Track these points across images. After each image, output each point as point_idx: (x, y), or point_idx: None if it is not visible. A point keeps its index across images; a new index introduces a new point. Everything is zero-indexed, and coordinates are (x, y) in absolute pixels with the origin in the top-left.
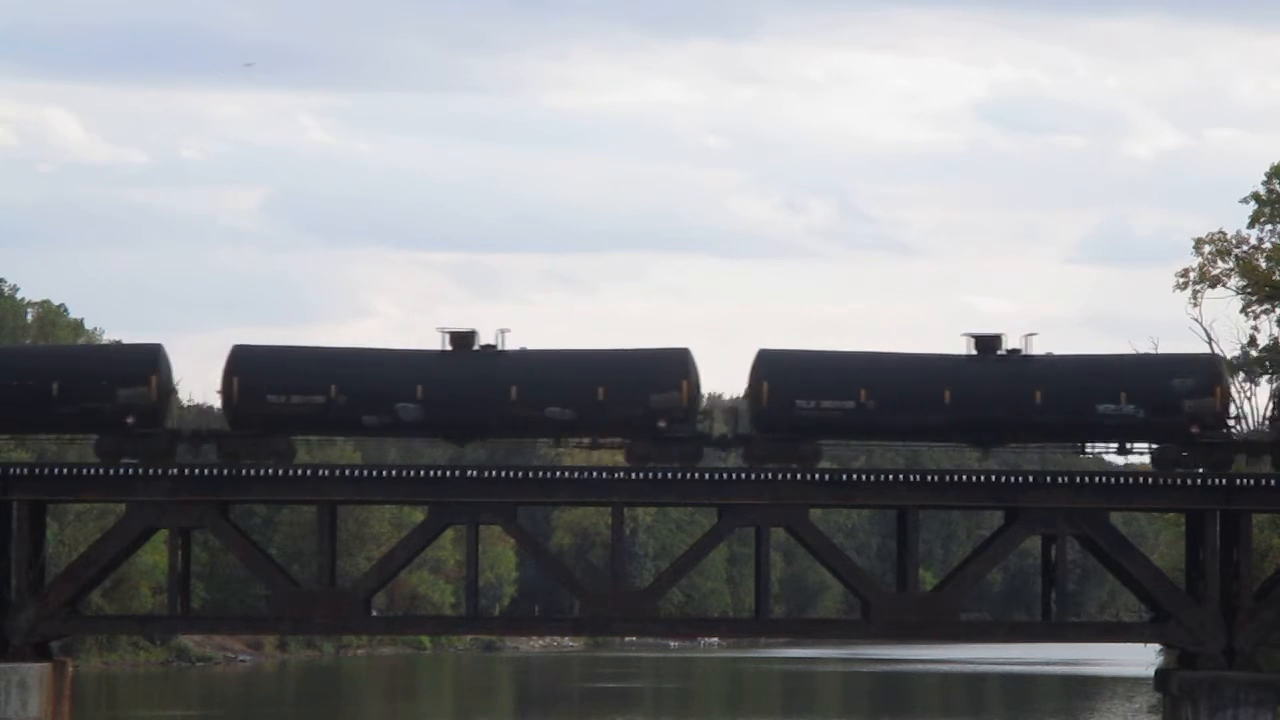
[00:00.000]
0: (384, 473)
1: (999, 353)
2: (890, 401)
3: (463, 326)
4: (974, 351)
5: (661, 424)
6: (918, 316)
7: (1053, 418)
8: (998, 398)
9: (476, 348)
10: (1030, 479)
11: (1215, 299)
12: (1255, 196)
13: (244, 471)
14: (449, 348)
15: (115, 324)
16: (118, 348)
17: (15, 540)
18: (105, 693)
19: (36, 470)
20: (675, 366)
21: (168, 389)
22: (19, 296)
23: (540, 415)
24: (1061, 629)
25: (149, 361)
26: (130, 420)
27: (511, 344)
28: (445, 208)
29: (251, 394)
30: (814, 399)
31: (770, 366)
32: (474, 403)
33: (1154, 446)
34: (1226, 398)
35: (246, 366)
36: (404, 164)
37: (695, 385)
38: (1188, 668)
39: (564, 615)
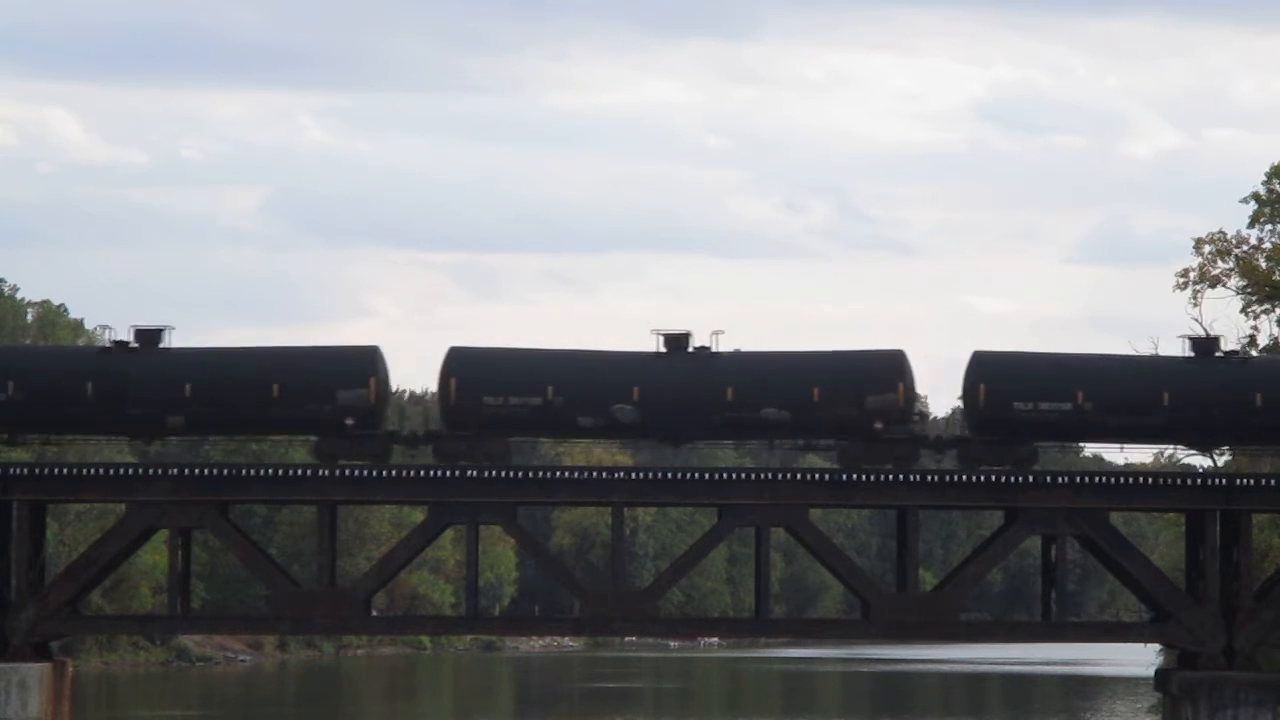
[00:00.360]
0: (384, 473)
1: (1216, 355)
2: (1108, 403)
3: (677, 328)
4: (1190, 354)
5: (877, 425)
6: (918, 316)
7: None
8: (1218, 400)
9: (691, 349)
10: (1030, 479)
11: (1215, 299)
12: (1255, 196)
13: (244, 471)
14: (663, 349)
15: (115, 324)
16: (337, 350)
17: (15, 540)
18: (105, 693)
19: (36, 470)
20: (891, 368)
21: (386, 391)
22: (19, 296)
23: (756, 417)
24: (1061, 629)
25: (368, 363)
26: (349, 422)
27: (724, 345)
28: (445, 208)
29: (468, 395)
30: (1031, 401)
31: (987, 369)
32: (690, 404)
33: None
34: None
35: (464, 368)
36: (404, 164)
37: (911, 386)
38: (1188, 668)
39: (564, 615)
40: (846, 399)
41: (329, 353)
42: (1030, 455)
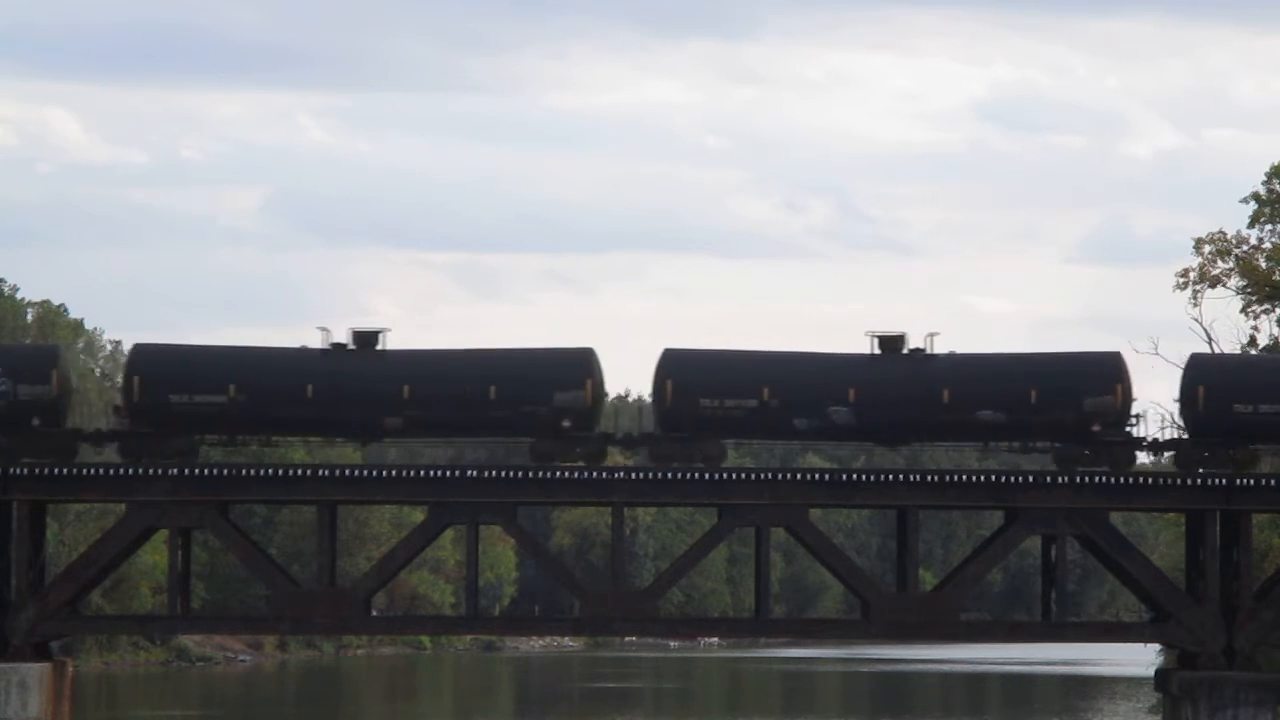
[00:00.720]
0: (384, 473)
1: (902, 351)
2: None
3: (891, 330)
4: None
5: (1096, 428)
6: (918, 316)
7: None
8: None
9: (905, 351)
10: (1030, 479)
11: (1215, 299)
12: (1255, 196)
13: (244, 471)
14: (877, 351)
15: (115, 324)
16: (555, 352)
17: (15, 540)
18: (105, 693)
19: (36, 470)
20: (1110, 370)
21: (601, 393)
22: (19, 296)
23: (972, 419)
24: (1061, 629)
25: (584, 365)
26: (566, 424)
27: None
28: (445, 208)
29: (685, 398)
30: (1251, 404)
31: (1205, 372)
32: (905, 406)
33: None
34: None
35: (680, 370)
36: (404, 164)
37: (1129, 388)
38: (1188, 668)
39: (564, 615)
40: (1064, 401)
41: (546, 355)
42: (1250, 459)
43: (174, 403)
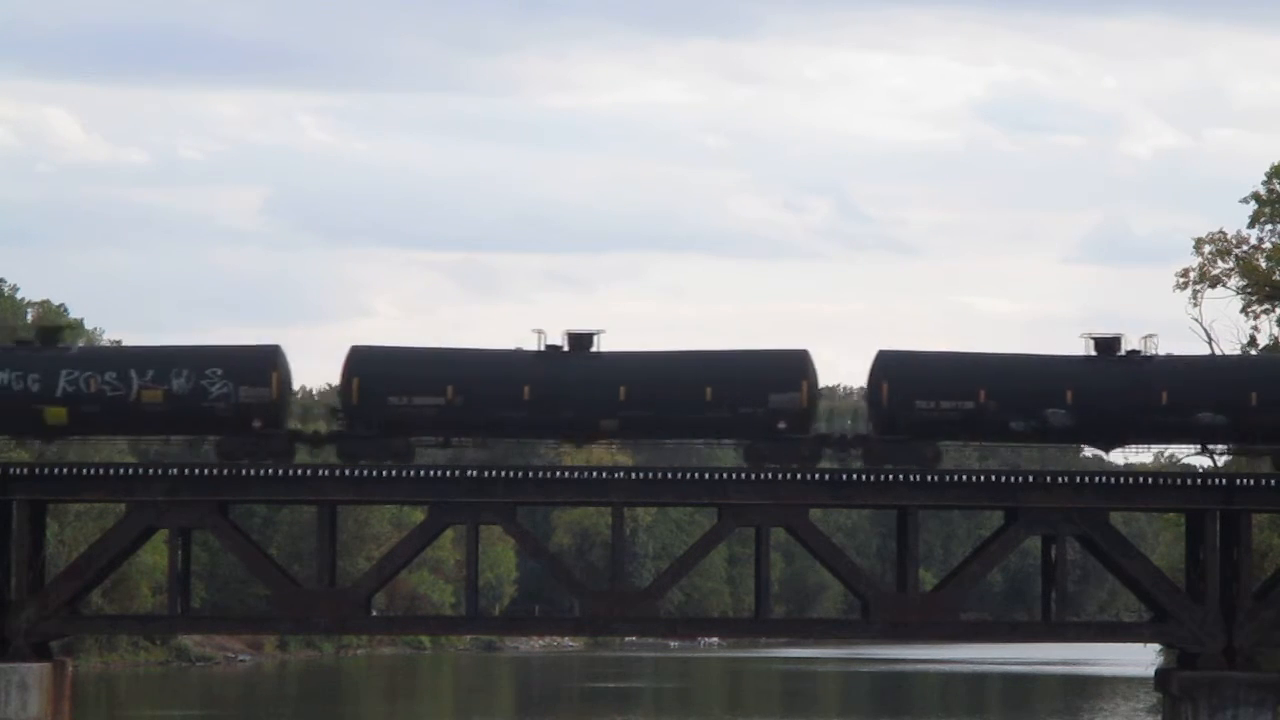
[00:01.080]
0: (384, 473)
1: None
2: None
3: (1108, 331)
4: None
5: None
6: (918, 316)
7: None
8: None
9: (1122, 352)
10: (1030, 479)
11: (1215, 299)
12: (1255, 196)
13: (244, 471)
14: (1093, 352)
15: (115, 324)
16: (770, 353)
17: (15, 540)
18: (105, 693)
19: (36, 470)
20: None
21: (816, 394)
22: (19, 296)
23: (1191, 421)
24: (1061, 629)
25: (800, 367)
26: (781, 426)
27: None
28: (445, 208)
29: (901, 399)
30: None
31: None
32: (1123, 408)
33: None
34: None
35: (897, 371)
36: (404, 164)
37: None
38: (1188, 668)
39: (564, 615)
40: None
41: (761, 356)
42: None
43: (393, 405)
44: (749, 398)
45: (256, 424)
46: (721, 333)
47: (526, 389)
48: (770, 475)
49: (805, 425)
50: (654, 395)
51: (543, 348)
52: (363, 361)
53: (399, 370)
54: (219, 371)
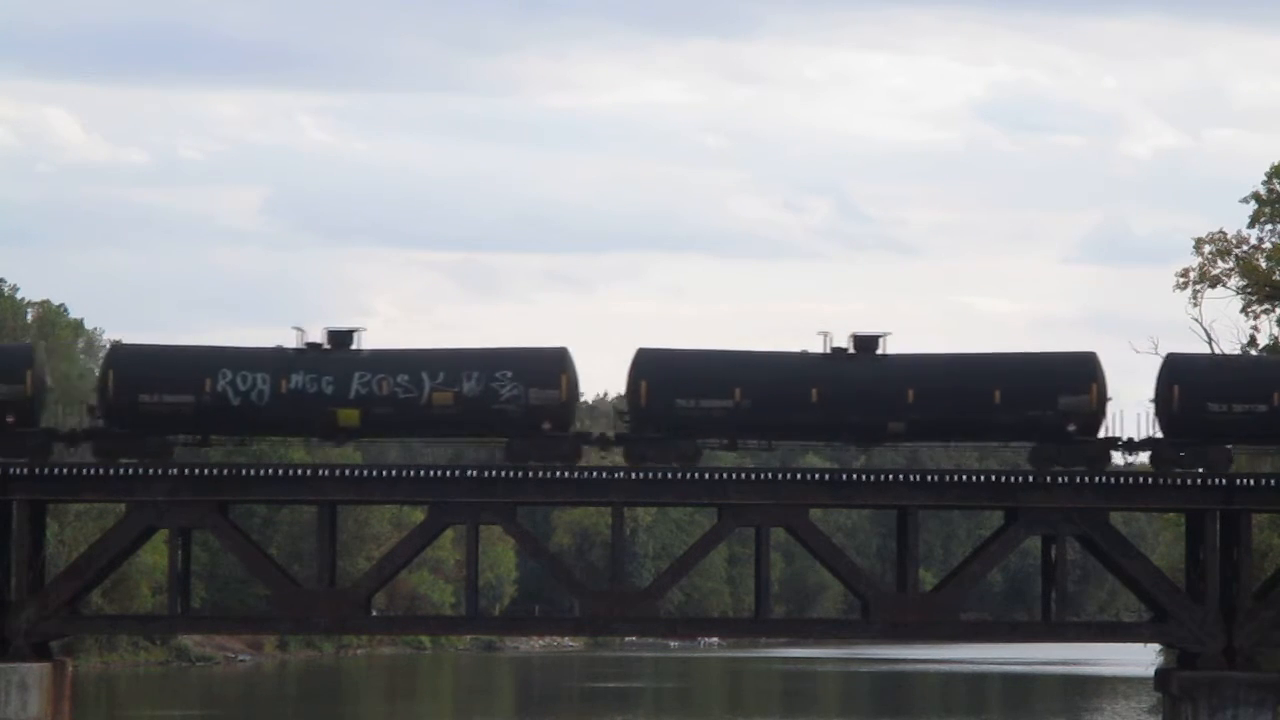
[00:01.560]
0: (384, 473)
1: None
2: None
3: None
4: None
5: None
6: (918, 316)
7: None
8: None
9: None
10: (1030, 479)
11: (1215, 299)
12: (1255, 196)
13: (244, 471)
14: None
15: (115, 324)
16: (1059, 356)
17: (15, 540)
18: (105, 693)
19: (36, 470)
20: None
21: (1105, 397)
22: (19, 296)
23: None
24: (1061, 629)
25: (1089, 370)
26: (1071, 428)
27: None
28: (445, 208)
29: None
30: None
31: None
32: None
33: None
34: None
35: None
36: (403, 164)
37: None
38: (1188, 668)
39: (564, 615)
40: None
41: (1051, 359)
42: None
43: (680, 407)
44: (1038, 400)
45: (546, 426)
46: (722, 333)
47: (814, 392)
48: (770, 475)
49: (1093, 429)
50: (942, 398)
51: (829, 350)
52: (650, 364)
53: (687, 373)
54: (509, 374)
